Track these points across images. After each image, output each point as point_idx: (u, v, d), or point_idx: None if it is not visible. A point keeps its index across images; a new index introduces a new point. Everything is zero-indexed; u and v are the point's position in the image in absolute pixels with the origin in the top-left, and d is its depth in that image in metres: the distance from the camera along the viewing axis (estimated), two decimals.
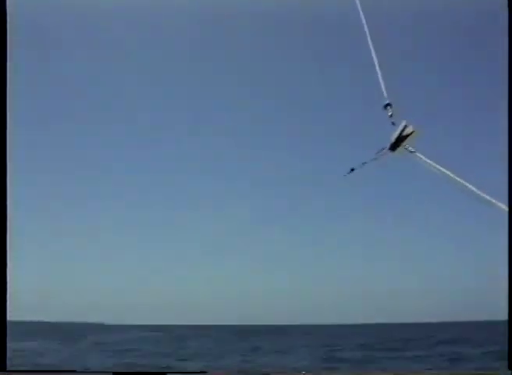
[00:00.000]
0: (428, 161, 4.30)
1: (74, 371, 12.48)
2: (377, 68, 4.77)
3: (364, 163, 4.51)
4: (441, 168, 4.26)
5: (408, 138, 4.39)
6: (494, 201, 4.08)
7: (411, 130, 4.39)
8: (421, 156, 4.32)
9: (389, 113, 4.55)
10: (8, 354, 5.23)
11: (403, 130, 4.40)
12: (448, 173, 4.21)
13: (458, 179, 4.19)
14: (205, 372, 8.83)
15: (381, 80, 4.69)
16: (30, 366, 23.42)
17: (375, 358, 29.50)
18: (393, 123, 4.49)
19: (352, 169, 4.57)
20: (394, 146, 4.41)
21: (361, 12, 4.89)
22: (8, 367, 5.19)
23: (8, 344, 5.20)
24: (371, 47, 4.84)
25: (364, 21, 4.88)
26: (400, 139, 4.40)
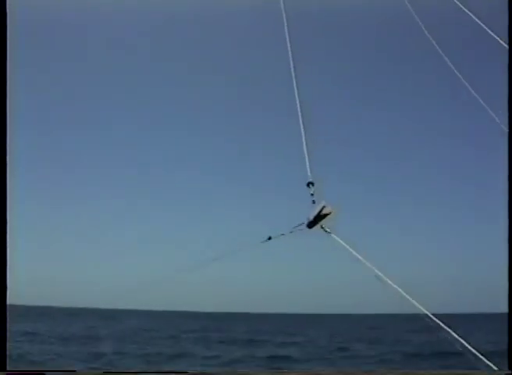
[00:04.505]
0: (343, 243, 4.31)
1: (74, 371, 11.40)
2: (304, 146, 4.85)
3: (281, 234, 4.47)
4: (354, 252, 4.27)
5: (326, 218, 4.41)
6: (393, 284, 4.11)
7: (329, 211, 4.42)
8: (336, 238, 4.33)
9: (311, 192, 4.58)
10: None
11: (321, 210, 4.41)
12: (360, 257, 4.22)
13: (371, 266, 4.21)
14: (203, 372, 8.26)
15: (306, 159, 4.75)
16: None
17: None
18: (314, 202, 4.51)
19: (269, 238, 4.52)
20: (311, 224, 4.40)
21: (294, 80, 5.01)
22: (9, 367, 5.06)
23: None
24: (301, 124, 4.93)
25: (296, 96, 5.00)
26: (318, 218, 4.40)
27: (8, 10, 4.48)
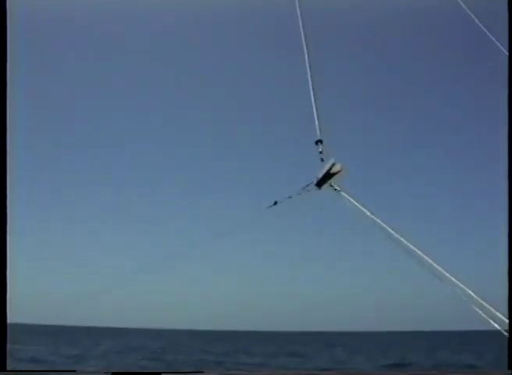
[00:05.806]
0: (353, 200, 4.17)
1: (74, 371, 12.46)
2: (313, 104, 4.69)
3: (289, 197, 4.38)
4: (364, 209, 4.13)
5: (335, 176, 4.28)
6: (415, 249, 3.94)
7: (339, 169, 4.27)
8: (346, 195, 4.20)
9: (320, 150, 4.44)
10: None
11: (330, 168, 4.28)
12: (369, 214, 4.08)
13: (380, 222, 4.06)
14: (202, 371, 8.65)
15: (316, 117, 4.61)
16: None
17: None
18: (322, 160, 4.38)
19: (275, 203, 4.44)
20: (321, 183, 4.29)
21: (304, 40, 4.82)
22: (9, 367, 5.17)
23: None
24: (310, 81, 4.77)
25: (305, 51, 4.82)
26: (327, 176, 4.28)
27: (8, 10, 4.63)
